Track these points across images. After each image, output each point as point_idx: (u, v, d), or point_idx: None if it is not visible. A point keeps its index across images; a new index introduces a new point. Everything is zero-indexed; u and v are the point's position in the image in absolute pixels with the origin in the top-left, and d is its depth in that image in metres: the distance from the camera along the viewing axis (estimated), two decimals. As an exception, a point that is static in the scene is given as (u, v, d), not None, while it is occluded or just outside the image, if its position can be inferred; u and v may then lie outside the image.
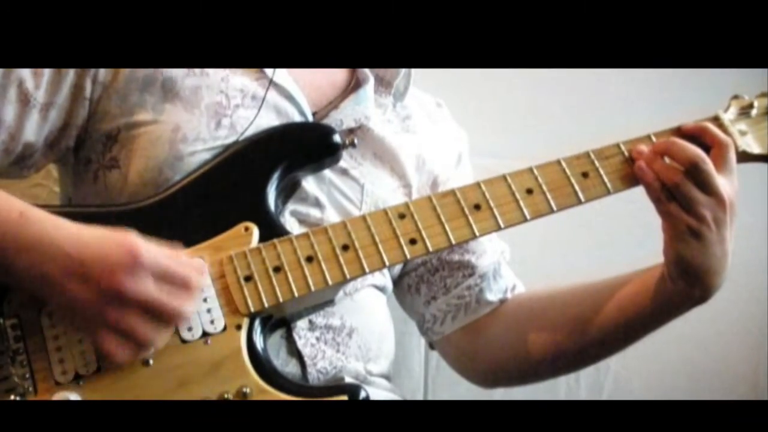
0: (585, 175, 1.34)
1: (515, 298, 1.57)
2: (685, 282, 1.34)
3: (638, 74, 1.87)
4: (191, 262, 1.21)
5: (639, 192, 1.36)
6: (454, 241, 1.30)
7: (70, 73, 1.34)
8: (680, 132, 1.37)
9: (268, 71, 1.40)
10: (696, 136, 1.36)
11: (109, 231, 1.17)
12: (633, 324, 1.43)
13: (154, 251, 1.15)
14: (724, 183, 1.30)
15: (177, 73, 1.37)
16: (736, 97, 1.45)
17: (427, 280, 1.58)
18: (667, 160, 1.33)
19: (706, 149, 1.33)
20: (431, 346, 1.63)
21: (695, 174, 1.29)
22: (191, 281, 1.17)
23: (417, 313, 1.60)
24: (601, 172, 1.34)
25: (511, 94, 2.05)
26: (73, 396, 1.18)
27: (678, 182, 1.29)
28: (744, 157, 1.40)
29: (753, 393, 2.11)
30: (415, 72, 1.55)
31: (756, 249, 2.10)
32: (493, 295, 1.55)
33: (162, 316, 1.15)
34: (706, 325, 2.09)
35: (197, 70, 1.38)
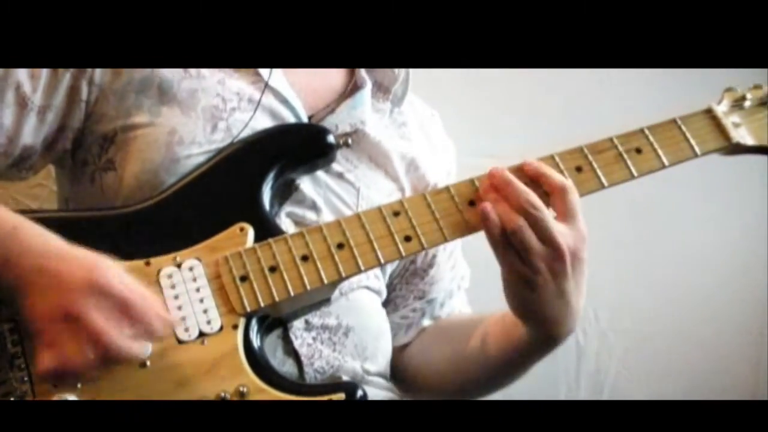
0: (579, 169, 1.33)
1: (437, 321, 1.57)
2: (528, 328, 1.32)
3: (634, 73, 1.88)
4: (154, 299, 1.18)
5: (636, 189, 1.36)
6: (449, 238, 1.29)
7: (67, 76, 1.35)
8: (522, 171, 1.30)
9: (264, 74, 1.40)
10: (534, 179, 1.29)
11: (87, 252, 1.16)
12: (497, 362, 1.41)
13: (116, 278, 1.13)
14: (563, 231, 1.24)
15: (173, 76, 1.37)
16: (729, 89, 1.43)
17: (389, 296, 1.57)
18: None
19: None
20: None
21: (530, 220, 1.22)
22: (143, 316, 1.14)
23: None
24: (595, 166, 1.34)
25: (507, 94, 2.06)
26: (71, 398, 1.18)
27: (515, 229, 1.22)
28: (738, 149, 1.39)
29: (753, 393, 2.10)
30: (411, 73, 1.55)
31: (756, 249, 2.10)
32: (428, 320, 1.57)
33: (93, 344, 1.11)
34: (706, 325, 2.10)
35: (193, 73, 1.38)
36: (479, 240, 1.28)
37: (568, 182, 1.28)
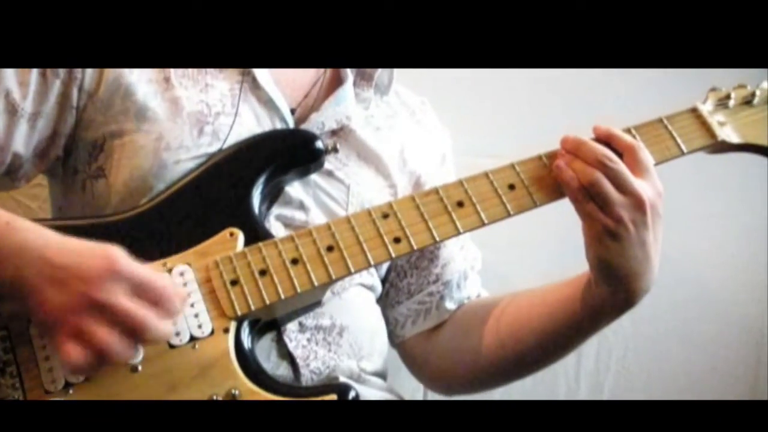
0: None
1: (466, 305, 1.57)
2: (608, 285, 1.32)
3: (628, 73, 1.87)
4: (170, 280, 1.20)
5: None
6: (438, 239, 1.30)
7: (57, 83, 1.35)
8: (595, 136, 1.35)
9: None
10: (607, 142, 1.33)
11: (92, 242, 1.16)
12: (564, 330, 1.41)
13: (132, 263, 1.14)
14: (641, 184, 1.28)
15: (156, 89, 1.37)
16: (713, 89, 1.45)
17: (396, 285, 1.58)
18: None
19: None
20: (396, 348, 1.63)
21: (608, 173, 1.27)
22: (165, 296, 1.15)
23: (385, 316, 1.59)
24: None
25: (499, 93, 2.05)
26: (65, 402, 1.19)
27: (593, 181, 1.27)
28: (724, 146, 1.40)
29: (753, 393, 2.09)
30: (403, 70, 1.55)
31: (756, 249, 2.09)
32: (452, 303, 1.56)
33: (127, 327, 1.12)
34: (706, 325, 2.09)
35: (176, 84, 1.38)
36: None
37: (637, 141, 1.33)
